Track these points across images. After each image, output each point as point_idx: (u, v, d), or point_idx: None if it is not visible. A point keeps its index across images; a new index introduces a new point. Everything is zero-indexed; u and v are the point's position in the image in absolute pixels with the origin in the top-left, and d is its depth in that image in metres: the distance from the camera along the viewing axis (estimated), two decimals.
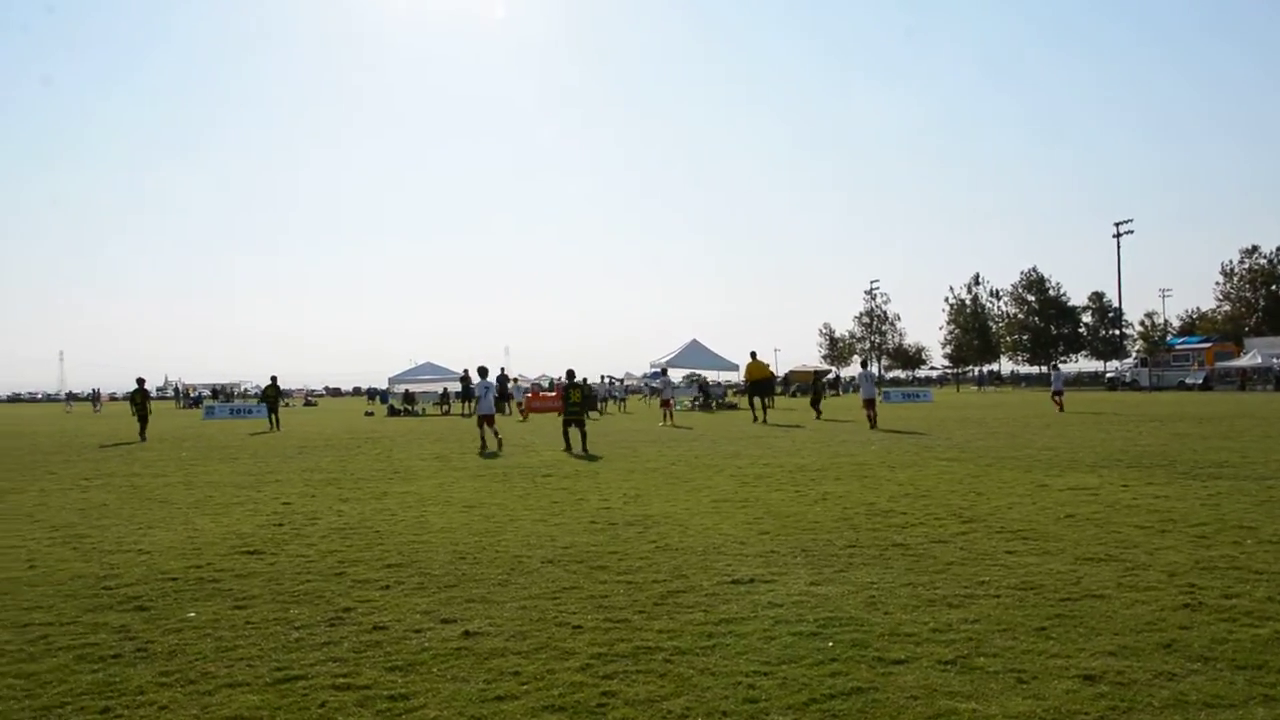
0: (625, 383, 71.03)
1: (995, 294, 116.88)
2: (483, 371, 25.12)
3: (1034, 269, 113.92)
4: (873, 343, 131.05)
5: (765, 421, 32.48)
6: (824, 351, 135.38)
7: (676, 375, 53.08)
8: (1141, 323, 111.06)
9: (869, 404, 28.82)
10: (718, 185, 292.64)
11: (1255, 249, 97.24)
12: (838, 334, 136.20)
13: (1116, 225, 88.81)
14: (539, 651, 5.71)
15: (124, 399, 48.68)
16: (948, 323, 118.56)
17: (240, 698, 5.01)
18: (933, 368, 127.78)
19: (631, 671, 5.28)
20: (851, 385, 73.63)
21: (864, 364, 32.52)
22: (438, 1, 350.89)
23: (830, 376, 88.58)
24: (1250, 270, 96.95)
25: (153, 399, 33.20)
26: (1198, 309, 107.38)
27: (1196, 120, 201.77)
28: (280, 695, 5.03)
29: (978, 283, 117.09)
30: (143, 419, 30.44)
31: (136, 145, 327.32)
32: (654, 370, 54.76)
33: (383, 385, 68.18)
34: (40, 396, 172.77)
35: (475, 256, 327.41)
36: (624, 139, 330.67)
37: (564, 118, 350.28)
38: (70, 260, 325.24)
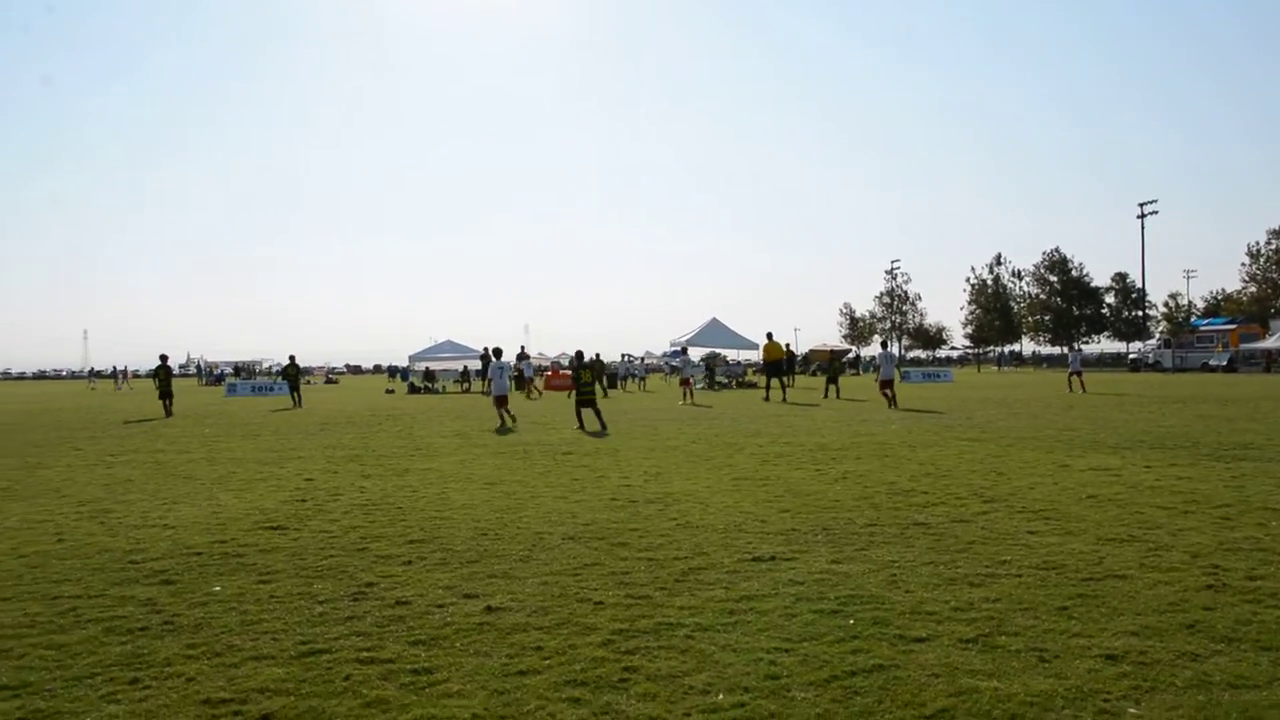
0: (645, 361, 70.94)
1: (1017, 274, 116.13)
2: (497, 353, 25.42)
3: (1056, 249, 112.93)
4: (893, 323, 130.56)
5: (785, 400, 32.62)
6: (844, 331, 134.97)
7: (696, 354, 53.10)
8: (1165, 304, 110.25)
9: (887, 384, 28.52)
10: (741, 165, 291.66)
11: None
12: (858, 314, 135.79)
13: (1141, 206, 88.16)
14: (561, 627, 5.74)
15: (147, 376, 49.01)
16: (969, 303, 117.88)
17: (266, 670, 5.06)
18: (953, 348, 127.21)
19: (653, 647, 5.30)
20: (872, 365, 73.43)
21: (884, 344, 32.42)
22: None
23: (850, 356, 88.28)
24: (1278, 251, 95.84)
25: (175, 376, 33.43)
26: (1222, 290, 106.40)
27: (1224, 101, 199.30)
28: (305, 668, 5.08)
29: (999, 263, 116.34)
30: (167, 396, 30.64)
31: (159, 126, 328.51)
32: (674, 349, 54.69)
33: (403, 363, 68.36)
34: (65, 374, 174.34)
35: (498, 236, 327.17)
36: (645, 120, 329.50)
37: (585, 103, 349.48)
38: (93, 240, 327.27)
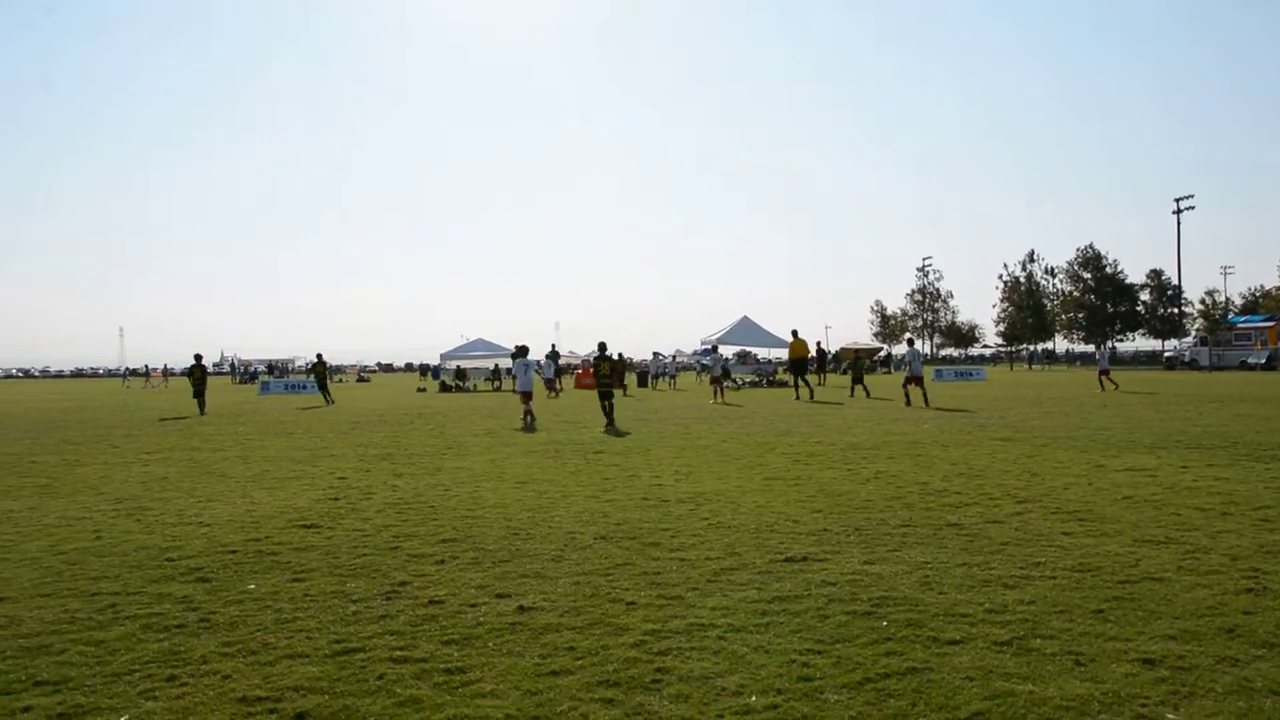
0: (676, 359, 70.88)
1: (1050, 271, 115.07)
2: (523, 351, 25.51)
3: (1090, 246, 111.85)
4: (925, 320, 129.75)
5: (811, 399, 32.56)
6: (876, 329, 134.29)
7: (728, 352, 52.99)
8: (1202, 301, 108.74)
9: (915, 381, 27.86)
10: (773, 164, 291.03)
11: None
12: (889, 311, 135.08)
13: (1177, 201, 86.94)
14: (593, 627, 5.75)
15: (182, 374, 49.65)
16: (1001, 300, 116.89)
17: (300, 669, 5.10)
18: (986, 346, 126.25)
19: (685, 648, 5.30)
20: (902, 363, 73.08)
21: (910, 342, 32.17)
22: None
23: (882, 354, 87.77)
24: None
25: (210, 375, 33.94)
26: (1261, 287, 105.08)
27: (1263, 96, 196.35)
28: (339, 667, 5.12)
29: (1032, 260, 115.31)
30: (199, 394, 31.15)
31: (194, 125, 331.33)
32: (704, 347, 54.61)
33: (435, 361, 68.69)
34: (102, 372, 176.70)
35: (530, 235, 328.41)
36: (677, 120, 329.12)
37: (624, 99, 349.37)
38: (129, 239, 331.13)
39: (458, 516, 9.74)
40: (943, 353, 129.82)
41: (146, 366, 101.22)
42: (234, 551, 8.19)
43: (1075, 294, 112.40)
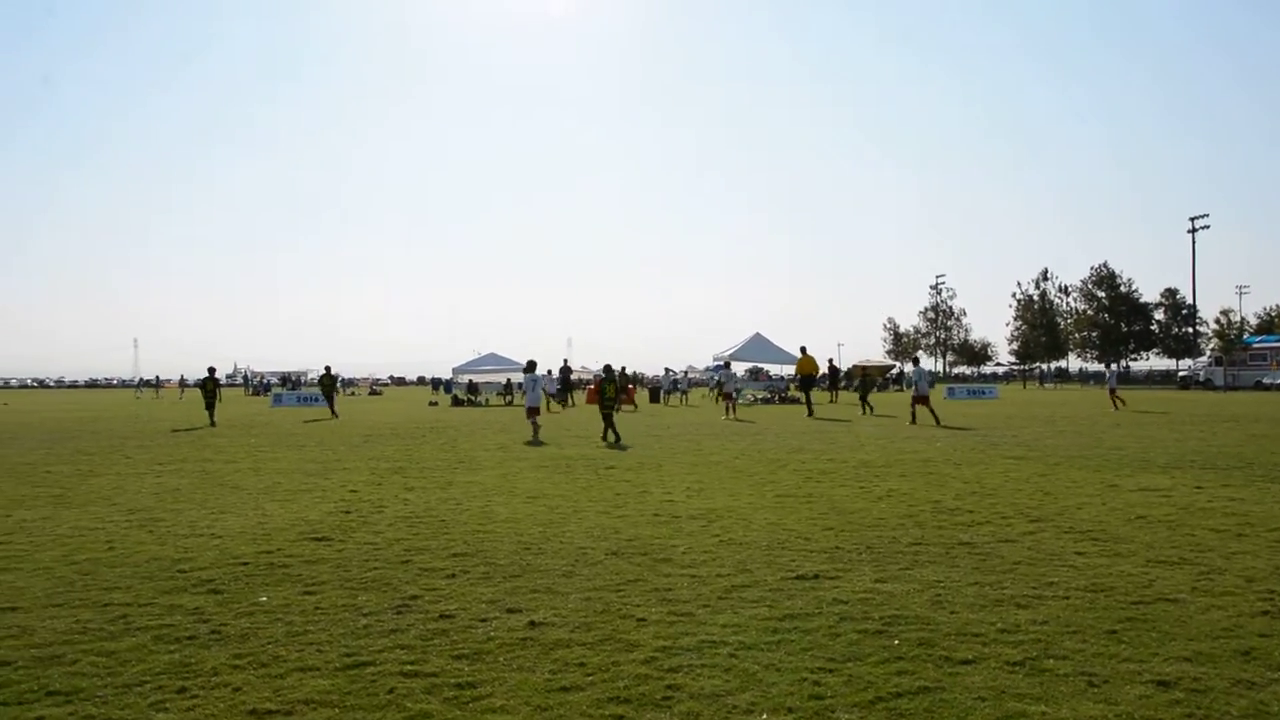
0: (688, 375, 70.77)
1: (1064, 290, 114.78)
2: (531, 366, 25.74)
3: (1104, 264, 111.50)
4: (938, 338, 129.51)
5: (810, 415, 32.82)
6: (888, 346, 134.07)
7: (740, 368, 52.88)
8: (1217, 320, 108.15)
9: (921, 401, 28.16)
10: (785, 180, 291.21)
11: None
12: (902, 329, 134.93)
13: (1192, 220, 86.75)
14: (604, 643, 5.74)
15: (195, 386, 49.88)
16: (1014, 319, 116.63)
17: (311, 682, 5.10)
18: (999, 364, 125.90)
19: (696, 665, 5.28)
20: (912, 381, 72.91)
21: (915, 360, 32.09)
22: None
23: (894, 372, 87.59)
24: None
25: (222, 386, 34.25)
26: (1276, 306, 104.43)
27: (1274, 114, 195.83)
28: (350, 680, 5.12)
29: (1046, 278, 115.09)
30: (210, 406, 31.56)
31: (198, 134, 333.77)
32: (716, 363, 54.58)
33: (447, 375, 68.79)
34: (116, 382, 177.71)
35: (542, 249, 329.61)
36: (688, 134, 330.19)
37: (633, 112, 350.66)
38: (143, 252, 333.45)
39: (469, 531, 9.74)
40: (955, 371, 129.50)
41: (157, 378, 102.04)
42: (245, 563, 8.21)
43: (1089, 312, 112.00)
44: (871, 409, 34.85)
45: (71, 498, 12.71)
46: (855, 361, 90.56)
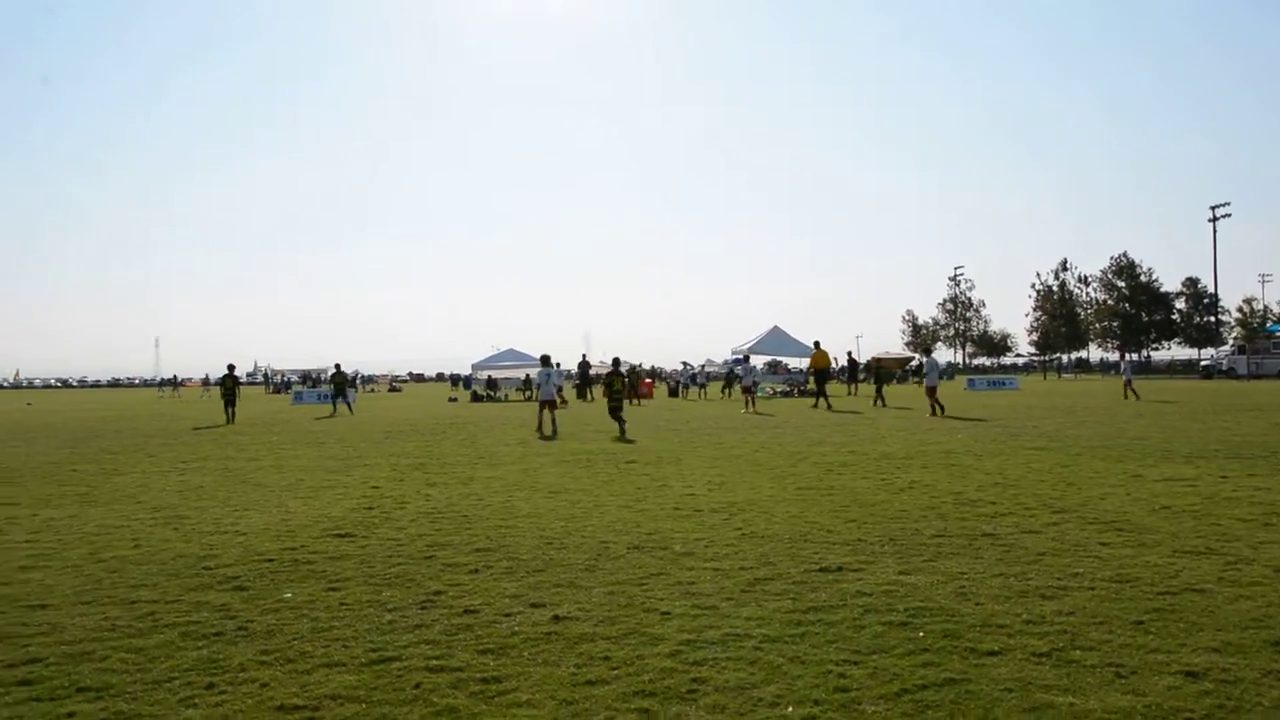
0: (705, 369, 70.72)
1: (1084, 280, 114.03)
2: (545, 360, 25.87)
3: (1124, 254, 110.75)
4: (957, 329, 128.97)
5: (815, 407, 32.88)
6: (907, 338, 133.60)
7: (759, 362, 52.83)
8: (1239, 309, 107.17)
9: (929, 392, 28.49)
10: (803, 174, 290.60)
11: None
12: (921, 321, 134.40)
13: (1213, 209, 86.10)
14: (628, 637, 5.74)
15: (216, 384, 50.23)
16: (1034, 309, 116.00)
17: (337, 677, 5.12)
18: (1019, 355, 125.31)
19: (721, 658, 5.28)
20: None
21: (927, 351, 31.99)
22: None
23: (914, 364, 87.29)
24: None
25: (242, 384, 34.63)
26: None
27: None
28: (376, 675, 5.14)
29: (1065, 268, 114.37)
30: (230, 403, 32.02)
31: (227, 136, 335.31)
32: (735, 357, 54.51)
33: (466, 371, 68.96)
34: (138, 382, 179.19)
35: (560, 244, 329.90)
36: (706, 128, 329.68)
37: (648, 108, 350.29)
38: (164, 251, 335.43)
39: (491, 526, 9.76)
40: (975, 362, 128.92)
41: (176, 376, 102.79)
42: (270, 560, 8.25)
43: (1109, 302, 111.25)
44: (883, 401, 34.74)
45: (97, 496, 12.81)
46: (874, 354, 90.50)
